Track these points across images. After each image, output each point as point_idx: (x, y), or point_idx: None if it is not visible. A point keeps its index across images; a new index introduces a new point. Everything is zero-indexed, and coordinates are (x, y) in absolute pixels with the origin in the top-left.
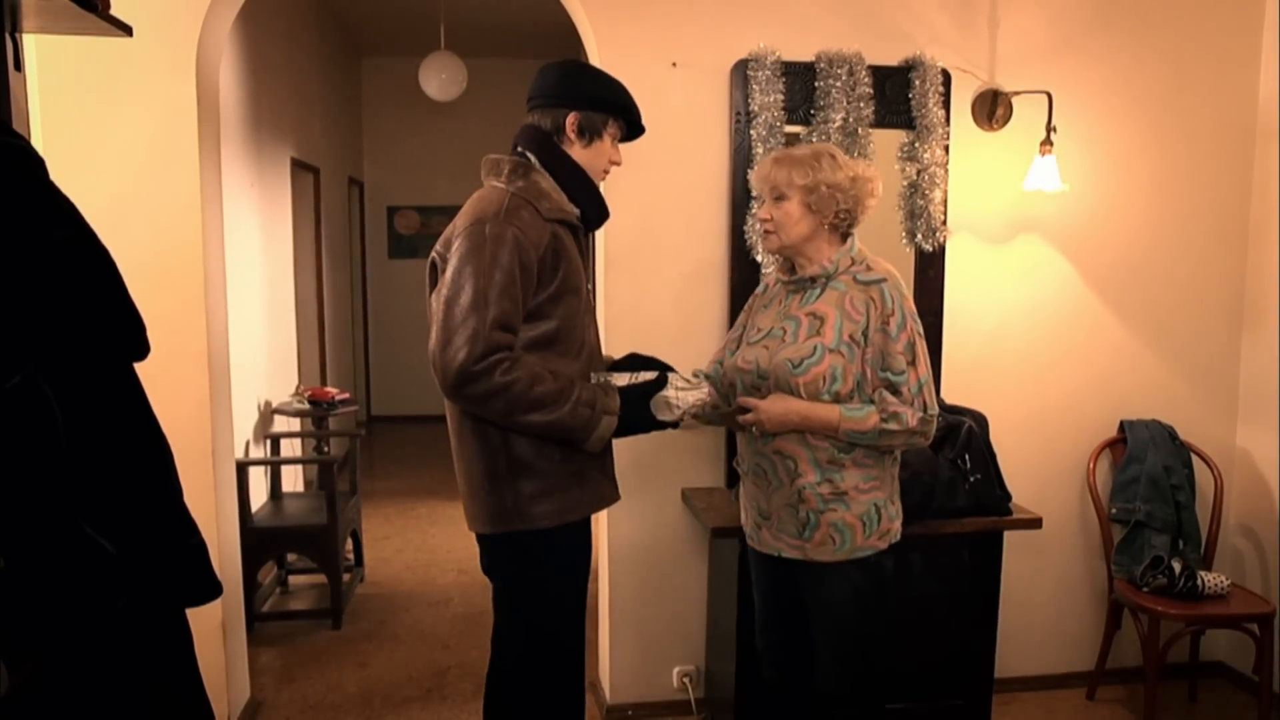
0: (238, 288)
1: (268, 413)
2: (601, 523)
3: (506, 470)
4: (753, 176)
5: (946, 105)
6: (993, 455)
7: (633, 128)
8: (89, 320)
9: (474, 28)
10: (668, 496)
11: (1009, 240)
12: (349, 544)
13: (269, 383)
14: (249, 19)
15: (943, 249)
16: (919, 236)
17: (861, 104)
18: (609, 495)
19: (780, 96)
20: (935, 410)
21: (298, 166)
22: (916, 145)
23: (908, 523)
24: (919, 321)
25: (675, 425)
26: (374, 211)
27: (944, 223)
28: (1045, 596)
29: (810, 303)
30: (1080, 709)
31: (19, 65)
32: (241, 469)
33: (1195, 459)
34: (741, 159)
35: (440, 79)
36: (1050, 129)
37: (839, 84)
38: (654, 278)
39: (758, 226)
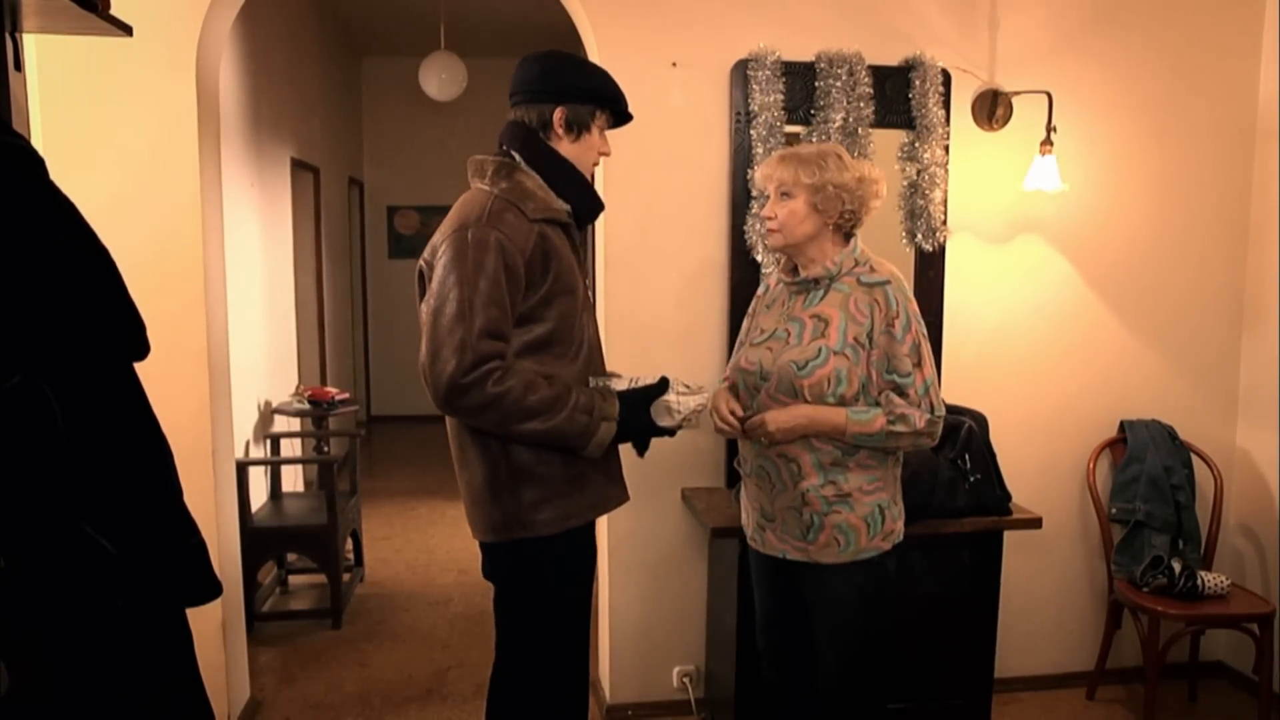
0: (238, 288)
1: (268, 413)
2: (602, 523)
3: (507, 478)
4: (756, 174)
5: (946, 105)
6: (993, 455)
7: (620, 116)
8: (89, 320)
9: (474, 28)
10: (668, 496)
11: (1009, 240)
12: (349, 544)
13: (269, 383)
14: (249, 19)
15: (943, 249)
16: (919, 236)
17: (861, 104)
18: (615, 496)
19: (780, 96)
20: (942, 411)
21: (298, 166)
22: (916, 145)
23: (908, 522)
24: (923, 323)
25: (672, 433)
26: (374, 211)
27: (944, 223)
28: (1045, 596)
29: (814, 304)
30: (1080, 709)
31: (19, 65)
32: (241, 469)
33: (1195, 459)
34: (742, 159)
35: (440, 79)
36: (1050, 129)
37: (839, 84)
38: (654, 278)
39: (759, 226)
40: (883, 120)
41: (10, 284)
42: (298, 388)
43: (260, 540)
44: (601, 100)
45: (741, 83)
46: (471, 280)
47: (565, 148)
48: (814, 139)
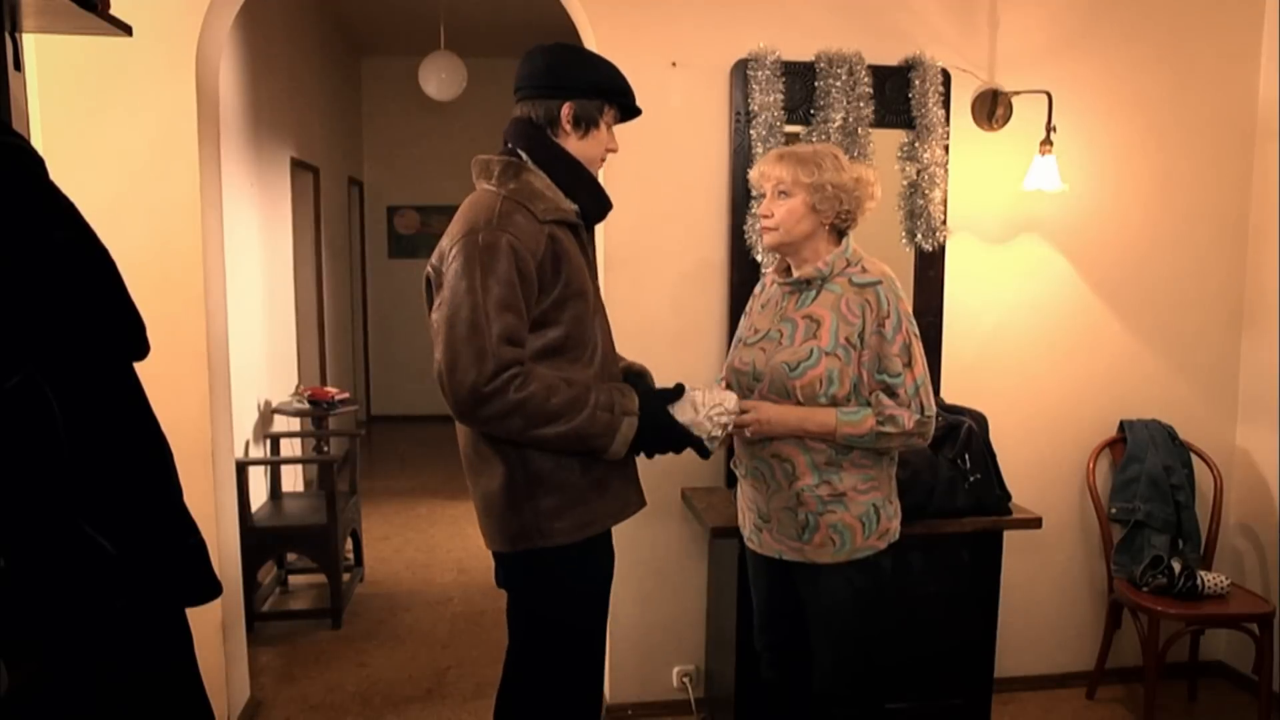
0: (238, 288)
1: (267, 412)
2: None
3: (525, 486)
4: (753, 172)
5: (946, 105)
6: (992, 455)
7: (628, 110)
8: (89, 320)
9: (474, 27)
10: (668, 496)
11: (1009, 240)
12: (349, 544)
13: (269, 382)
14: (249, 19)
15: (943, 249)
16: (919, 236)
17: (861, 104)
18: (634, 502)
19: (780, 96)
20: (933, 411)
21: (297, 166)
22: (916, 145)
23: (908, 522)
24: (915, 323)
25: (701, 444)
26: (374, 211)
27: (944, 222)
28: (1045, 596)
29: (806, 305)
30: (1080, 708)
31: (19, 65)
32: (241, 469)
33: (1195, 459)
34: (741, 158)
35: (440, 79)
36: (1050, 129)
37: (839, 84)
38: (654, 278)
39: (758, 226)
40: (882, 120)
41: (10, 284)
42: (297, 387)
43: (260, 540)
44: (609, 94)
45: (741, 82)
46: (484, 286)
47: (573, 144)
48: (814, 139)
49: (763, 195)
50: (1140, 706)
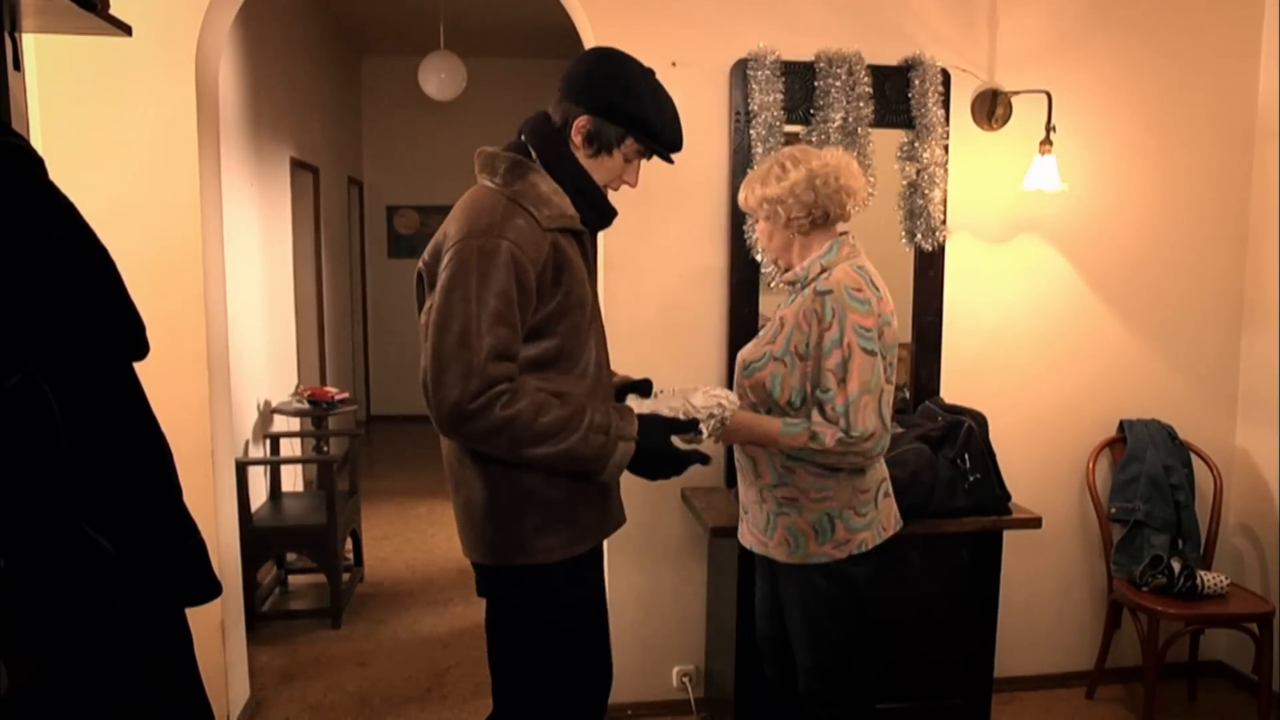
0: (237, 287)
1: (267, 412)
2: None
3: (509, 501)
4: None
5: (946, 105)
6: (992, 455)
7: (664, 151)
8: (88, 319)
9: (473, 27)
10: (667, 496)
11: (1009, 240)
12: (348, 544)
13: (268, 382)
14: (248, 19)
15: (942, 249)
16: (919, 236)
17: (861, 103)
18: (615, 520)
19: (780, 96)
20: (865, 431)
21: (297, 166)
22: (916, 145)
23: (908, 522)
24: (869, 337)
25: (705, 460)
26: (373, 211)
27: (943, 222)
28: (1045, 596)
29: (785, 306)
30: (1080, 708)
31: (18, 65)
32: (241, 469)
33: (1195, 458)
34: (741, 159)
35: (440, 78)
36: (1050, 128)
37: (838, 83)
38: (653, 279)
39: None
40: (882, 120)
41: (9, 283)
42: (297, 387)
43: (260, 540)
44: (634, 127)
45: (741, 82)
46: (478, 297)
47: (582, 159)
48: (814, 139)
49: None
50: (1140, 706)
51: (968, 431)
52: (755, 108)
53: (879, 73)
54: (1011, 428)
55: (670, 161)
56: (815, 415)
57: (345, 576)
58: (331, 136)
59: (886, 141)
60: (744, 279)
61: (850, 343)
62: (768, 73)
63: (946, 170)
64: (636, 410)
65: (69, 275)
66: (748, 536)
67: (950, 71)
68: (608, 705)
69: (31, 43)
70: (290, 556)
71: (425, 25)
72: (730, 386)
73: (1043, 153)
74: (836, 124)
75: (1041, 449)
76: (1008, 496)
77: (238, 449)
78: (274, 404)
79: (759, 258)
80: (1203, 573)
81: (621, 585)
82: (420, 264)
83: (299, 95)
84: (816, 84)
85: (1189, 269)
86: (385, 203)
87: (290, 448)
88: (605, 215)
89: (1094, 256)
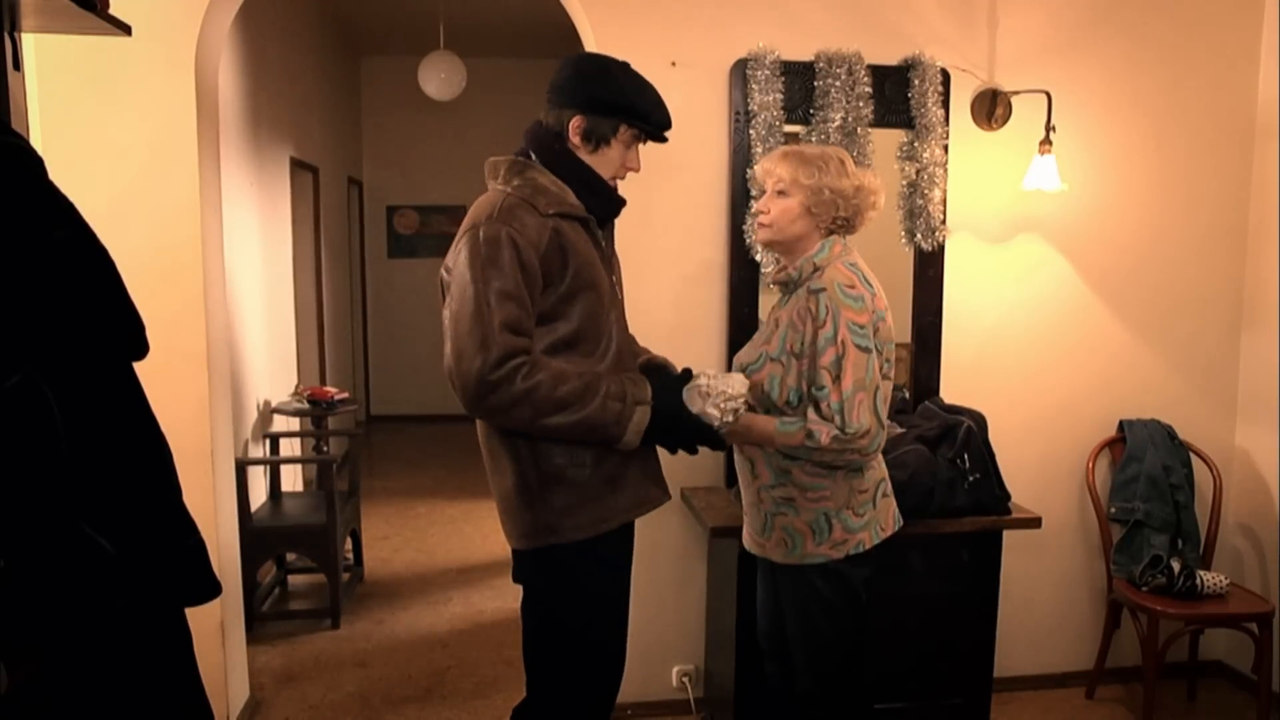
0: (237, 287)
1: (267, 412)
2: None
3: (537, 484)
4: (757, 167)
5: (946, 105)
6: (992, 455)
7: (653, 133)
8: (88, 319)
9: (473, 27)
10: None
11: (1008, 240)
12: (348, 544)
13: (268, 382)
14: (248, 18)
15: (942, 248)
16: (918, 236)
17: (861, 103)
18: (654, 497)
19: (779, 96)
20: (861, 428)
21: (297, 166)
22: (916, 145)
23: (908, 522)
24: (863, 334)
25: (717, 439)
26: (373, 211)
27: (943, 222)
28: (1044, 596)
29: (781, 307)
30: (1079, 708)
31: (18, 64)
32: (241, 468)
33: (1194, 458)
34: (741, 158)
35: (439, 78)
36: (1049, 128)
37: (838, 83)
38: (653, 277)
39: (755, 223)
40: (882, 120)
41: (9, 283)
42: (297, 387)
43: (259, 540)
44: (625, 115)
45: (741, 82)
46: (485, 277)
47: (584, 157)
48: (813, 139)
49: (763, 191)
50: (1140, 706)
51: (967, 431)
52: (755, 107)
53: (879, 73)
54: (1011, 428)
55: (664, 140)
56: (810, 413)
57: (345, 576)
58: (331, 136)
59: (886, 141)
60: (744, 279)
61: (844, 339)
62: (767, 72)
63: (946, 170)
64: (685, 388)
65: (69, 275)
66: (748, 538)
67: (950, 71)
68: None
69: (31, 43)
70: (290, 556)
71: (425, 25)
72: None
73: (1042, 153)
74: (836, 124)
75: (1041, 449)
76: (1007, 496)
77: (237, 449)
78: (274, 404)
79: (758, 257)
80: (1202, 573)
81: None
82: (442, 269)
83: (299, 95)
84: (816, 84)
85: (1189, 269)
86: (385, 203)
87: (290, 448)
88: (613, 203)
89: (1094, 256)
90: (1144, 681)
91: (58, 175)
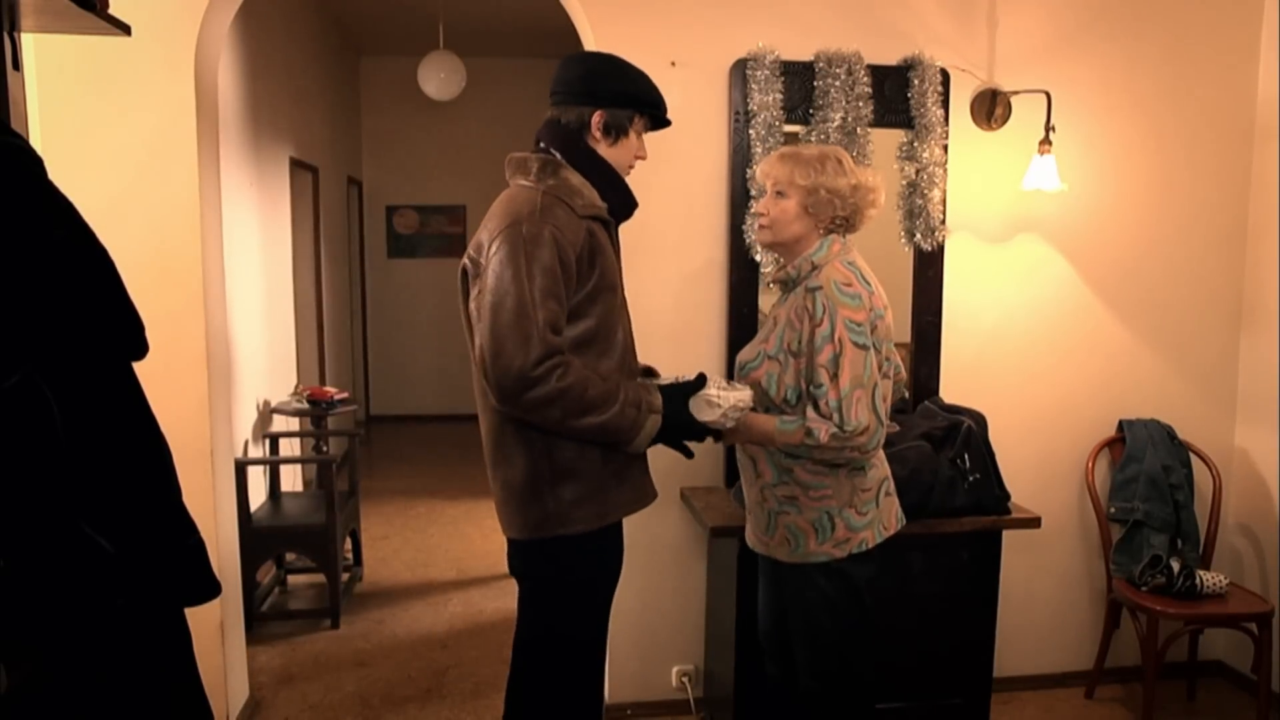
0: (237, 287)
1: (266, 412)
2: None
3: (549, 476)
4: (757, 170)
5: (945, 105)
6: (991, 455)
7: (658, 120)
8: (87, 319)
9: (473, 27)
10: (667, 496)
11: (1008, 240)
12: (348, 544)
13: (268, 382)
14: (248, 18)
15: (942, 248)
16: (918, 236)
17: (860, 103)
18: (649, 493)
19: (779, 96)
20: (859, 426)
21: (296, 166)
22: (915, 145)
23: (907, 521)
24: (860, 331)
25: (717, 435)
26: (373, 211)
27: (943, 222)
28: (1044, 596)
29: (780, 305)
30: (1079, 708)
31: (17, 64)
32: (240, 468)
33: (1194, 458)
34: (740, 158)
35: (439, 78)
36: (1049, 128)
37: (838, 83)
38: (653, 277)
39: (755, 224)
40: (881, 120)
41: (9, 283)
42: (296, 387)
43: (259, 540)
44: (640, 105)
45: (740, 82)
46: (529, 274)
47: (603, 150)
48: (813, 138)
49: (763, 192)
50: (1139, 706)
51: (967, 431)
52: (754, 107)
53: (878, 72)
54: (1011, 428)
55: (668, 123)
56: (809, 411)
57: (344, 576)
58: (331, 136)
59: (886, 141)
60: (743, 278)
61: (841, 337)
62: (767, 72)
63: (946, 170)
64: (692, 401)
65: (68, 275)
66: (751, 537)
67: (950, 71)
68: (607, 705)
69: (31, 43)
70: (289, 556)
71: (425, 25)
72: None
73: (1042, 153)
74: (836, 124)
75: (1041, 449)
76: (1007, 496)
77: (237, 449)
78: (273, 404)
79: (758, 257)
80: (1202, 572)
81: (621, 584)
82: (465, 260)
83: (298, 95)
84: (816, 84)
85: (1188, 269)
86: (384, 202)
87: (290, 447)
88: (628, 204)
89: (1093, 256)
90: (1144, 681)
91: (58, 175)
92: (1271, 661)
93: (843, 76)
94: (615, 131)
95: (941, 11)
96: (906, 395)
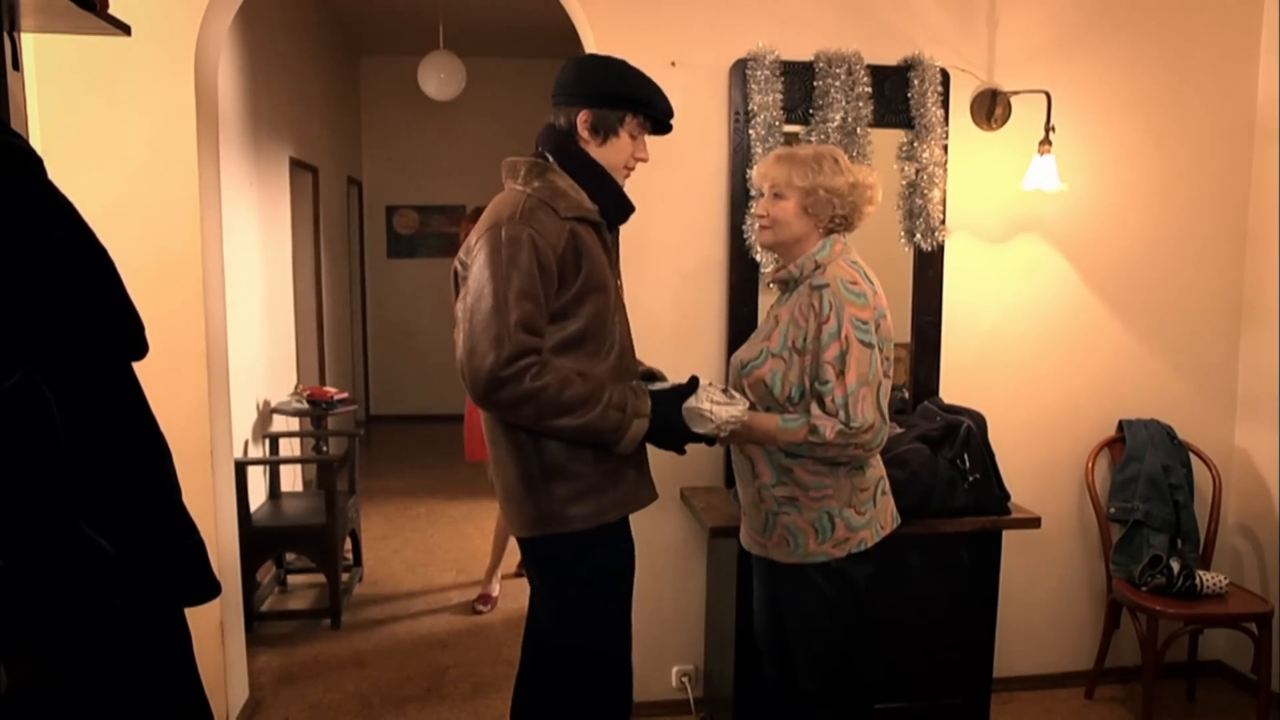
0: (236, 287)
1: (266, 412)
2: None
3: (540, 474)
4: (754, 172)
5: (945, 105)
6: (991, 455)
7: (657, 121)
8: (87, 319)
9: (473, 27)
10: (666, 496)
11: (1008, 240)
12: (348, 543)
13: (268, 382)
14: (248, 18)
15: (941, 248)
16: (918, 236)
17: (860, 103)
18: (647, 495)
19: (779, 96)
20: (865, 423)
21: (296, 166)
22: (915, 145)
23: (907, 522)
24: (866, 330)
25: (711, 442)
26: (372, 211)
27: (943, 222)
28: (1044, 596)
29: (781, 304)
30: (1079, 708)
31: (17, 64)
32: (240, 468)
33: (1194, 458)
34: (740, 158)
35: (439, 78)
36: (1049, 128)
37: (838, 83)
38: (653, 277)
39: (755, 225)
40: (881, 120)
41: (9, 283)
42: (296, 387)
43: (259, 540)
44: (629, 104)
45: (740, 82)
46: (505, 276)
47: (594, 151)
48: (813, 138)
49: (762, 194)
50: (1139, 706)
51: (967, 431)
52: (754, 108)
53: (878, 73)
54: (1011, 428)
55: (669, 129)
56: (814, 409)
57: (344, 576)
58: (331, 136)
59: (886, 141)
60: (743, 278)
61: (848, 335)
62: (767, 73)
63: (946, 170)
64: (685, 407)
65: (68, 275)
66: (746, 538)
67: (949, 71)
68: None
69: (31, 43)
70: (289, 556)
71: (424, 25)
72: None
73: (1042, 153)
74: (836, 124)
75: (1041, 449)
76: (1007, 496)
77: (237, 449)
78: (273, 404)
79: (758, 257)
80: (1202, 572)
81: None
82: (455, 262)
83: (298, 95)
84: (816, 84)
85: (1188, 269)
86: (384, 202)
87: (289, 447)
88: (623, 207)
89: (1093, 257)
90: (1143, 681)
91: (57, 175)
92: (1271, 662)
93: (843, 76)
94: (604, 131)
95: (941, 11)
96: (906, 396)
